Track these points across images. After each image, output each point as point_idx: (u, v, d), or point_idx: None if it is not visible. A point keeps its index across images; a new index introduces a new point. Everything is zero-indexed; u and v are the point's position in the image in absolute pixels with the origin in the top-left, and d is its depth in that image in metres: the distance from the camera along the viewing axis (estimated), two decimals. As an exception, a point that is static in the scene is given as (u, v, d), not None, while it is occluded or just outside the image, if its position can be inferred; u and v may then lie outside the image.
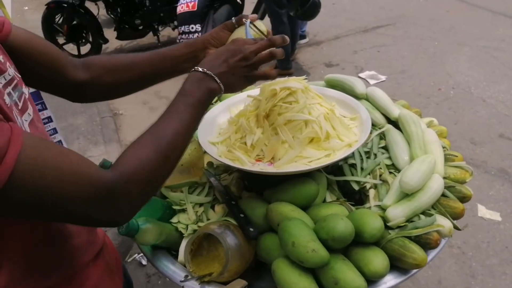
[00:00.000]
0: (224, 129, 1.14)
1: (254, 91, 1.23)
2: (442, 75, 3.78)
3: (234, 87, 0.84)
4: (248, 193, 1.07)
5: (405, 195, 0.93)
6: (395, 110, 1.19)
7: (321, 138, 1.01)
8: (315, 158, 0.99)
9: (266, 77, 0.85)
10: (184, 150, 0.75)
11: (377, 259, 0.80)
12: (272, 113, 1.02)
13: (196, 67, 0.79)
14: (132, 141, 0.70)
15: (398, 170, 1.06)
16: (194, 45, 0.94)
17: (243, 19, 0.93)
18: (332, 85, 1.39)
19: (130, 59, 0.94)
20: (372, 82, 3.71)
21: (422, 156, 0.99)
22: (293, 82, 1.03)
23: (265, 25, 0.96)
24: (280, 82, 1.04)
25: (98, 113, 3.42)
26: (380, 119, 1.22)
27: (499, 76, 3.71)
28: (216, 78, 0.78)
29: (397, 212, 0.88)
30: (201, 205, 1.07)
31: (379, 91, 1.29)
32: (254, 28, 0.93)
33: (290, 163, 0.99)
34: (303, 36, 4.45)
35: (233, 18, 0.94)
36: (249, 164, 1.00)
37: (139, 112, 3.57)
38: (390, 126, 1.18)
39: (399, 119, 1.17)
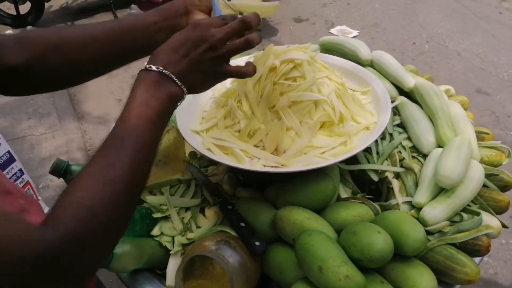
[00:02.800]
0: (209, 111, 0.91)
1: (244, 58, 0.99)
2: (415, 28, 3.64)
3: (199, 87, 0.61)
4: (244, 190, 0.87)
5: (442, 189, 0.77)
6: (409, 79, 1.01)
7: (334, 122, 0.81)
8: (328, 148, 0.80)
9: (242, 74, 0.62)
10: (147, 179, 0.54)
11: (423, 280, 0.63)
12: (272, 92, 0.81)
13: (148, 65, 0.56)
14: (73, 179, 0.47)
15: (422, 154, 0.90)
16: (172, 9, 0.69)
17: None
18: (329, 49, 1.18)
19: (83, 32, 0.68)
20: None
21: (456, 139, 0.82)
22: (297, 52, 0.81)
23: None
24: (280, 53, 0.82)
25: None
26: (391, 90, 1.03)
27: (471, 27, 3.61)
28: (175, 79, 0.56)
29: (437, 213, 0.72)
30: (187, 209, 0.87)
31: (387, 55, 1.09)
32: (228, 1, 0.69)
33: (298, 155, 0.79)
34: (269, -11, 4.12)
35: None
36: (247, 159, 0.80)
37: (96, 79, 3.19)
38: (404, 99, 1.00)
39: (415, 90, 0.99)
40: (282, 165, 0.78)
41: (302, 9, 4.01)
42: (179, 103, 0.58)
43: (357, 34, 3.57)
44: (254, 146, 0.82)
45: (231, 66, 0.61)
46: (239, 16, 0.62)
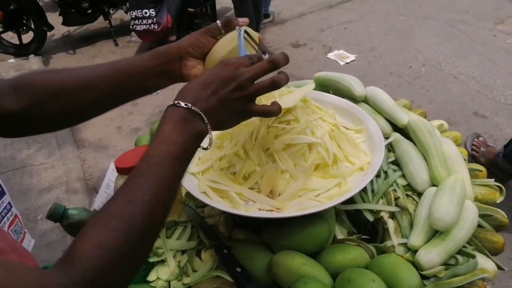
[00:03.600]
0: (205, 152, 0.92)
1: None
2: (411, 51, 3.68)
3: (225, 125, 0.63)
4: (240, 231, 0.87)
5: (436, 232, 0.77)
6: (403, 116, 1.02)
7: (328, 163, 0.82)
8: (323, 190, 0.81)
9: (268, 113, 0.64)
10: (167, 217, 0.54)
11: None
12: (267, 135, 0.82)
13: (176, 101, 0.57)
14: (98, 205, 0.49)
15: (417, 193, 0.90)
16: (166, 55, 0.70)
17: (236, 26, 0.70)
18: (324, 85, 1.20)
19: (81, 77, 0.69)
20: (342, 62, 3.56)
21: (450, 179, 0.82)
22: (290, 97, 0.83)
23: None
24: (273, 97, 0.83)
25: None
26: (385, 126, 1.05)
27: (466, 50, 3.66)
28: (203, 116, 0.57)
29: (432, 257, 0.72)
30: (183, 252, 0.87)
31: (381, 91, 1.11)
32: (249, 39, 0.70)
33: (294, 198, 0.80)
34: (267, 15, 4.19)
35: (218, 21, 0.71)
36: (243, 203, 0.80)
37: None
38: (398, 136, 1.01)
39: (409, 128, 1.00)
40: (278, 209, 0.79)
41: (299, 34, 4.07)
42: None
43: (354, 58, 3.62)
44: (250, 188, 0.82)
45: (257, 106, 0.62)
46: (264, 56, 0.63)
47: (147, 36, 3.66)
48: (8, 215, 1.74)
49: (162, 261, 0.85)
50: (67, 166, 2.58)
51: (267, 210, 0.79)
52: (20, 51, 3.99)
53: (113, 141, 2.87)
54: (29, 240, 1.88)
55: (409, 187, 0.92)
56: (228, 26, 0.70)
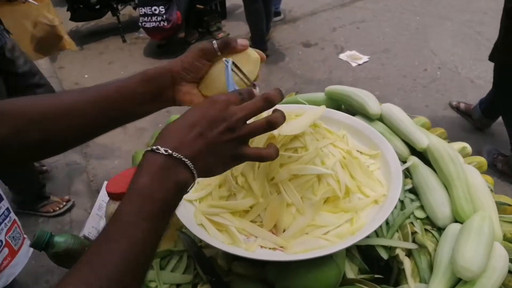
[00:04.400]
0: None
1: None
2: (426, 53, 3.56)
3: (213, 171, 0.55)
4: (241, 265, 0.79)
5: (460, 280, 0.69)
6: (422, 139, 0.93)
7: (339, 196, 0.74)
8: (333, 227, 0.73)
9: (262, 157, 0.56)
10: (142, 283, 0.46)
11: None
12: (271, 163, 0.74)
13: (154, 146, 0.49)
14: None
15: (437, 228, 0.82)
16: (159, 80, 0.63)
17: (234, 48, 0.62)
18: (335, 99, 1.11)
19: (64, 103, 0.61)
20: (354, 64, 3.45)
21: (476, 218, 0.74)
22: (298, 122, 0.74)
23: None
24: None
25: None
26: (402, 148, 0.96)
27: (485, 53, 3.50)
28: (187, 162, 0.49)
29: (455, 310, 0.64)
30: (178, 286, 0.80)
31: (397, 110, 1.02)
32: (238, 71, 0.62)
33: (300, 235, 0.72)
34: (277, 13, 4.09)
35: (214, 41, 0.63)
36: (243, 238, 0.72)
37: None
38: (416, 160, 0.92)
39: (429, 152, 0.91)
40: (281, 247, 0.71)
41: (311, 34, 3.96)
42: (189, 190, 0.51)
43: (367, 59, 3.51)
44: (252, 221, 0.75)
45: (250, 149, 0.54)
46: (255, 90, 0.56)
47: (156, 33, 3.60)
48: (6, 221, 1.69)
49: (155, 297, 0.78)
50: (70, 167, 2.53)
51: (270, 248, 0.71)
52: (28, 46, 3.95)
53: (118, 142, 2.81)
54: (28, 244, 1.83)
55: (428, 220, 0.83)
56: (225, 48, 0.62)
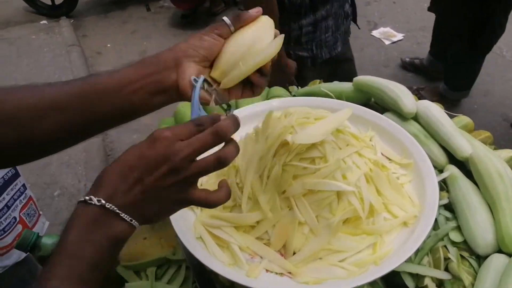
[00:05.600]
0: (206, 183, 0.74)
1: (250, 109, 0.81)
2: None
3: (154, 219, 0.47)
4: (244, 281, 0.71)
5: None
6: (464, 146, 0.80)
7: (362, 217, 0.63)
8: (352, 252, 0.62)
9: (210, 203, 0.47)
10: None
11: None
12: (282, 174, 0.63)
13: (87, 196, 0.42)
14: None
15: (476, 255, 0.70)
16: (158, 63, 0.52)
17: (192, 78, 0.52)
18: (365, 91, 0.98)
19: (45, 96, 0.51)
20: (387, 42, 3.23)
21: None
22: (318, 128, 0.63)
23: None
24: (303, 124, 0.64)
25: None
26: (438, 155, 0.83)
27: (534, 35, 3.22)
28: (121, 214, 0.42)
29: None
30: (174, 300, 0.72)
31: (436, 109, 0.88)
32: (210, 90, 0.53)
33: (312, 260, 0.62)
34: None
35: (224, 17, 0.53)
36: (247, 259, 0.63)
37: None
38: (455, 171, 0.79)
39: (472, 164, 0.78)
40: (290, 273, 0.61)
41: (343, 7, 3.73)
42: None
43: (402, 37, 3.27)
44: (257, 238, 0.65)
45: (197, 192, 0.45)
46: (226, 114, 0.45)
47: (181, 2, 3.46)
48: (21, 197, 1.66)
49: (147, 311, 0.70)
50: (87, 140, 2.50)
51: (277, 273, 0.61)
52: (52, 12, 3.89)
53: (138, 115, 2.75)
54: (43, 222, 1.81)
55: (465, 245, 0.71)
56: (238, 22, 0.53)
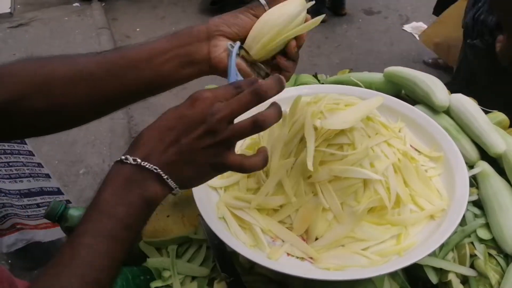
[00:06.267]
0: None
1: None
2: (505, 31, 3.16)
3: (190, 183, 0.46)
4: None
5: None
6: (498, 142, 0.77)
7: (387, 207, 0.62)
8: (375, 242, 0.61)
9: (246, 168, 0.45)
10: None
11: None
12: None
13: (124, 156, 0.42)
14: None
15: (504, 254, 0.68)
16: (190, 35, 0.53)
17: (228, 44, 0.52)
18: (396, 83, 0.95)
19: (76, 65, 0.53)
20: (418, 37, 3.14)
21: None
22: (350, 114, 0.62)
23: None
24: (327, 103, 0.63)
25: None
26: (470, 151, 0.81)
27: None
28: (160, 172, 0.41)
29: None
30: (194, 278, 0.73)
31: (470, 102, 0.86)
32: (247, 56, 0.52)
33: (334, 246, 0.61)
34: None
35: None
36: (268, 241, 0.63)
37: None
38: (487, 167, 0.77)
39: (505, 161, 0.75)
40: (311, 258, 0.61)
41: (375, 0, 3.65)
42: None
43: (435, 33, 3.18)
44: (280, 221, 0.65)
45: (232, 157, 0.44)
46: (261, 81, 0.44)
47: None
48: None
49: (168, 286, 0.71)
50: (113, 121, 2.54)
51: (298, 257, 0.61)
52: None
53: (162, 98, 2.75)
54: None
55: (494, 243, 0.69)
56: (274, 2, 0.53)
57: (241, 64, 0.53)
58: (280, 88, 0.43)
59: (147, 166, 0.41)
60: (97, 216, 0.40)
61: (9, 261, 1.50)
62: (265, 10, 0.53)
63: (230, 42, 0.51)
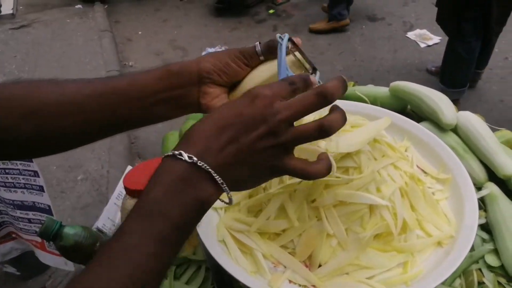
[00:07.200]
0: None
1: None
2: (510, 39, 3.14)
3: (243, 185, 0.44)
4: None
5: None
6: (508, 163, 0.75)
7: (394, 233, 0.60)
8: (381, 270, 0.59)
9: (309, 175, 0.42)
10: None
11: None
12: (314, 182, 0.60)
13: (177, 151, 0.38)
14: None
15: (513, 282, 0.65)
16: (182, 76, 0.51)
17: (277, 35, 0.48)
18: (401, 98, 0.93)
19: (65, 95, 0.51)
20: (422, 45, 3.13)
21: None
22: (356, 135, 0.59)
23: None
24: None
25: (104, 65, 3.02)
26: (477, 171, 0.79)
27: None
28: (214, 175, 0.38)
29: None
30: (192, 300, 0.70)
31: (478, 121, 0.83)
32: (297, 52, 0.48)
33: (338, 274, 0.59)
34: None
35: (257, 43, 0.50)
36: (270, 267, 0.61)
37: (151, 65, 3.13)
38: (495, 189, 0.75)
39: (514, 183, 0.73)
40: (313, 286, 0.58)
41: (378, 7, 3.63)
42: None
43: (439, 41, 3.16)
44: (282, 246, 0.62)
45: (294, 161, 0.42)
46: (314, 76, 0.42)
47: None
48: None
49: (164, 310, 0.69)
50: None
51: (300, 285, 0.59)
52: (88, -4, 3.96)
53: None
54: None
55: (503, 270, 0.67)
56: (271, 52, 0.49)
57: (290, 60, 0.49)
58: (345, 90, 0.41)
59: (203, 166, 0.38)
60: (146, 215, 0.37)
61: (4, 270, 1.48)
62: (259, 59, 0.51)
63: (279, 34, 0.48)
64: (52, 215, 1.13)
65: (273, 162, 0.41)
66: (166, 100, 0.51)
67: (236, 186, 0.42)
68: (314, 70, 0.51)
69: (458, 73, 2.35)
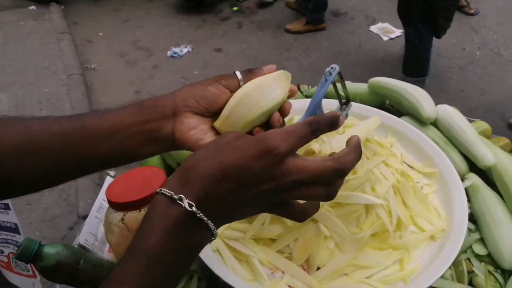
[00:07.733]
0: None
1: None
2: (466, 31, 3.27)
3: (232, 220, 0.42)
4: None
5: None
6: (487, 155, 0.77)
7: (390, 231, 0.60)
8: (379, 268, 0.59)
9: (301, 215, 0.42)
10: None
11: None
12: (307, 185, 0.59)
13: (175, 194, 0.36)
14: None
15: (501, 269, 0.67)
16: (155, 109, 0.48)
17: (326, 70, 0.46)
18: (381, 94, 0.94)
19: (29, 134, 0.47)
20: (385, 38, 3.20)
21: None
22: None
23: None
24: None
25: (65, 69, 2.89)
26: (459, 163, 0.80)
27: (532, 34, 3.23)
28: (211, 225, 0.37)
29: None
30: (185, 312, 0.68)
31: (457, 114, 0.85)
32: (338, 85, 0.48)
33: (337, 276, 0.59)
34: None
35: (237, 72, 0.48)
36: (267, 273, 0.59)
37: (115, 66, 3.04)
38: (477, 181, 0.77)
39: (495, 173, 0.75)
40: (314, 290, 0.58)
41: (341, 2, 3.68)
42: None
43: (400, 33, 3.23)
44: (279, 251, 0.61)
45: (293, 206, 0.40)
46: (342, 116, 0.41)
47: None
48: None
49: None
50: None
51: (299, 291, 0.58)
52: (41, -3, 3.77)
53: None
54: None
55: (490, 258, 0.69)
56: (250, 77, 0.48)
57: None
58: (357, 160, 0.40)
59: (201, 216, 0.36)
60: (140, 261, 0.35)
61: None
62: (239, 85, 0.48)
63: (329, 68, 0.45)
64: (19, 233, 1.06)
65: (271, 204, 0.39)
66: (137, 134, 0.47)
67: (228, 222, 0.41)
68: (347, 103, 0.49)
69: (415, 61, 2.46)
